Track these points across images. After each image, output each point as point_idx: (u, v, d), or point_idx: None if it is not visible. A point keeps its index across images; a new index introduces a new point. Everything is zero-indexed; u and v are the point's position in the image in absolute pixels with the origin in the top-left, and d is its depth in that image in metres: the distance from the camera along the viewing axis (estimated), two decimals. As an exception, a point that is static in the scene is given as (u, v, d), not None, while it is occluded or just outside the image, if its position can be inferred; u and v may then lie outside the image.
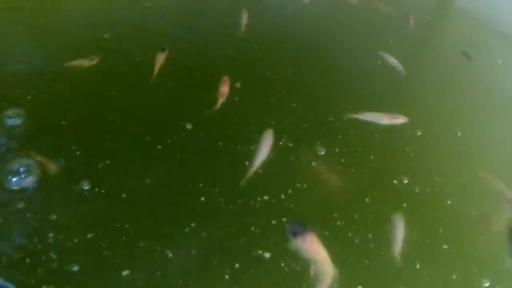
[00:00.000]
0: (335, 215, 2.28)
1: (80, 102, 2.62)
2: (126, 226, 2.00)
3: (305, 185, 2.39)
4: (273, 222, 2.16)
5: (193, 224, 2.06)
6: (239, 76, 2.98)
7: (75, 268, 1.81)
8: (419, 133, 2.90)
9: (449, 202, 2.50)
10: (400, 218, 2.39)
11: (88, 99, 2.65)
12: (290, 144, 2.60)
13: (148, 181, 2.21)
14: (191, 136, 2.52)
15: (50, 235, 1.90)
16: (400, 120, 2.95)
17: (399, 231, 2.34)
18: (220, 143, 2.52)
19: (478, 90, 3.59)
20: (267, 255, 2.03)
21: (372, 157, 2.63)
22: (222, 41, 3.43)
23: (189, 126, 2.56)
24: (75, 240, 1.91)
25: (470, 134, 3.05)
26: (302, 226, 2.14)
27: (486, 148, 3.04)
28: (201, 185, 2.26)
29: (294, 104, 2.91)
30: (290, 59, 3.37)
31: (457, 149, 2.91)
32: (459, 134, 3.02)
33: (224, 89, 2.87)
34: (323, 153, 2.59)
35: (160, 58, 3.03)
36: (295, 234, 2.11)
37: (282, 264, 2.01)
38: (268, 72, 3.18)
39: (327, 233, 2.18)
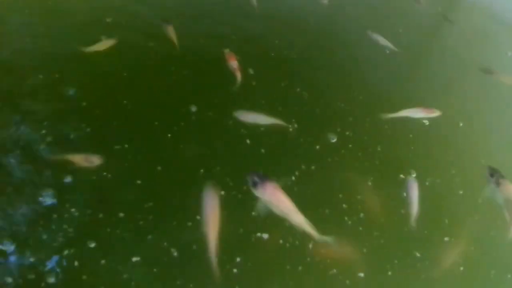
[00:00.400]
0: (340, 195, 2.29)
1: (97, 84, 2.62)
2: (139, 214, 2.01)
3: (313, 167, 2.38)
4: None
5: (198, 217, 2.02)
6: (248, 60, 2.97)
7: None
8: (427, 123, 2.89)
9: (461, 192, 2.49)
10: (414, 179, 2.43)
11: (106, 81, 2.66)
12: (297, 127, 2.59)
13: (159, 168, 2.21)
14: (200, 119, 2.51)
15: (73, 209, 1.95)
16: (436, 114, 2.92)
17: (414, 192, 2.37)
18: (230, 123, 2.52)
19: (486, 82, 3.54)
20: (265, 236, 2.03)
21: (379, 148, 2.62)
22: (232, 20, 3.43)
23: (194, 109, 2.55)
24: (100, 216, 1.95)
25: (476, 125, 3.04)
26: (261, 176, 2.02)
27: (491, 138, 3.02)
28: (202, 170, 2.24)
29: (301, 90, 2.90)
30: (300, 47, 3.35)
31: (461, 139, 2.90)
32: (461, 124, 3.00)
33: (233, 62, 2.85)
34: (334, 140, 2.58)
35: (170, 30, 3.05)
36: (255, 184, 1.99)
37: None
38: (277, 57, 3.17)
39: (327, 211, 2.19)
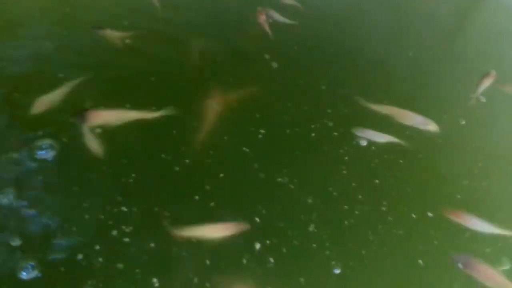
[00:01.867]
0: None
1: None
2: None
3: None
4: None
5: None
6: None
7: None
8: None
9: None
10: None
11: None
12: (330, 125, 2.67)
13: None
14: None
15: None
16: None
17: None
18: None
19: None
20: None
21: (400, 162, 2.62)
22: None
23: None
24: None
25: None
26: (81, 111, 2.24)
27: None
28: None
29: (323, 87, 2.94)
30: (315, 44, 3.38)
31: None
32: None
33: (262, 17, 3.04)
34: (365, 144, 2.60)
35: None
36: (80, 119, 2.20)
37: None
38: (297, 54, 3.20)
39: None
